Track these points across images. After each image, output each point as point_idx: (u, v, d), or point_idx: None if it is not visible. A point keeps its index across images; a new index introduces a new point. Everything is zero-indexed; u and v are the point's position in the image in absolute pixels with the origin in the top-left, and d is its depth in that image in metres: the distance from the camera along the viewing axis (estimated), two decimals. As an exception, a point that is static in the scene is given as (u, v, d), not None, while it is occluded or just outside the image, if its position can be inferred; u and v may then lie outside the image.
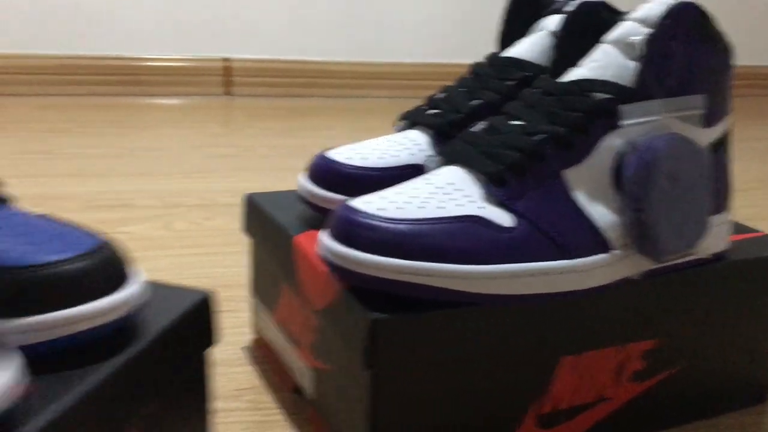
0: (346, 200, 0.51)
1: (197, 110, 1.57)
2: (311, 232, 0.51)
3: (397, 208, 0.42)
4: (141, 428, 0.37)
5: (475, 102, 0.53)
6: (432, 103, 0.57)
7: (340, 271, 0.42)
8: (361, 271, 0.41)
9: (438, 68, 1.85)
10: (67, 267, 0.33)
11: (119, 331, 0.36)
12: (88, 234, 0.37)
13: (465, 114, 0.53)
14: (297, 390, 0.55)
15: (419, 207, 0.42)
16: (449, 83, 1.84)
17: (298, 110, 1.62)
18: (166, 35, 1.67)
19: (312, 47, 1.76)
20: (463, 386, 0.44)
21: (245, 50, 1.72)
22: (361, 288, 0.42)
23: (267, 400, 0.55)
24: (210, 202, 0.98)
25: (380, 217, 0.41)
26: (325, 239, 0.43)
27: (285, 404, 0.55)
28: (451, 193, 0.43)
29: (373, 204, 0.42)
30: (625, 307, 0.47)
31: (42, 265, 0.33)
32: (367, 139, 1.27)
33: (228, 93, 1.72)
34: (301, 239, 0.50)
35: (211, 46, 1.70)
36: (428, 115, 0.55)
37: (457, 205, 0.42)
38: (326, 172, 0.52)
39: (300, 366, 0.53)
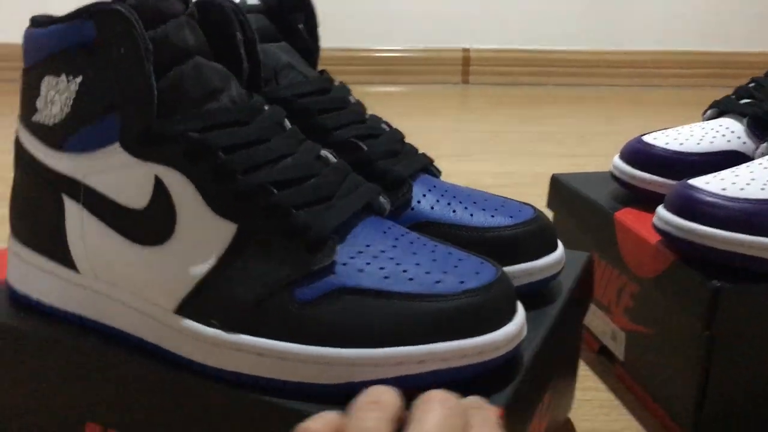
0: (664, 182, 0.56)
1: (437, 97, 1.67)
2: (628, 209, 0.57)
3: (739, 189, 0.46)
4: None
5: (796, 92, 0.56)
6: (742, 92, 0.60)
7: (678, 242, 0.47)
8: (704, 243, 0.46)
9: (677, 56, 1.81)
10: (524, 229, 0.41)
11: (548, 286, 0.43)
12: (523, 204, 0.44)
13: (784, 103, 0.56)
14: (602, 351, 0.61)
15: (761, 188, 0.46)
16: (688, 71, 1.80)
17: (533, 98, 1.67)
18: (409, 27, 1.79)
19: (546, 36, 1.80)
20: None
21: (483, 41, 1.80)
22: (695, 259, 0.47)
23: (573, 358, 0.61)
24: (475, 182, 1.06)
25: (724, 196, 0.46)
26: (664, 213, 0.48)
27: (590, 362, 0.61)
28: (789, 176, 0.47)
29: (713, 184, 0.47)
30: None
31: (504, 228, 0.41)
32: (610, 128, 1.27)
33: (465, 81, 1.81)
34: (621, 215, 0.56)
35: (452, 37, 1.79)
36: (741, 104, 0.58)
37: (798, 187, 0.46)
38: (645, 156, 0.57)
39: (610, 329, 0.59)
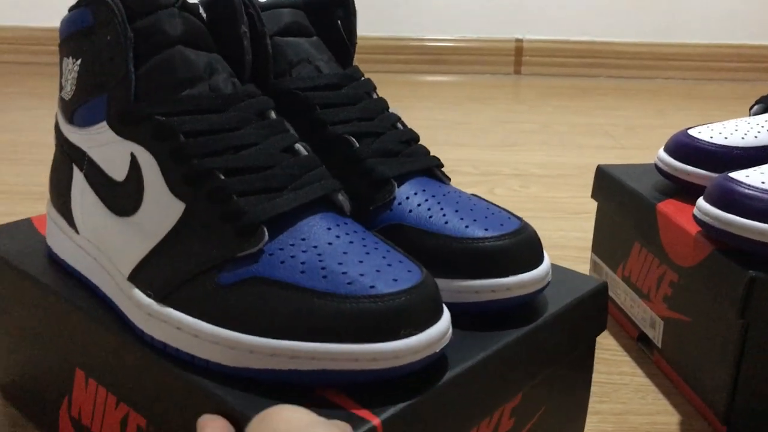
0: (707, 175, 0.58)
1: (488, 87, 1.69)
2: (671, 200, 0.58)
3: (779, 182, 0.47)
4: (529, 393, 0.42)
5: (843, 89, 0.57)
6: (790, 89, 0.60)
7: (716, 233, 0.49)
8: (742, 235, 0.47)
9: (730, 50, 1.79)
10: (495, 243, 0.39)
11: (526, 305, 0.41)
12: (512, 215, 0.42)
13: (830, 101, 0.57)
14: (641, 338, 0.63)
15: (800, 182, 0.47)
16: (742, 64, 1.77)
17: (585, 90, 1.67)
18: (462, 16, 1.80)
19: (599, 28, 1.79)
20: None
21: (536, 31, 1.80)
22: (732, 249, 0.49)
23: (611, 343, 0.63)
24: (523, 172, 1.08)
25: (763, 189, 0.47)
26: (704, 205, 0.50)
27: (628, 349, 0.63)
28: (829, 172, 0.48)
29: (753, 177, 0.48)
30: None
31: (475, 239, 0.39)
32: (660, 122, 1.28)
33: (517, 72, 1.82)
34: (664, 206, 0.57)
35: (505, 27, 1.80)
36: (788, 100, 0.59)
37: (838, 183, 0.47)
38: (690, 149, 0.58)
39: (648, 316, 0.60)
